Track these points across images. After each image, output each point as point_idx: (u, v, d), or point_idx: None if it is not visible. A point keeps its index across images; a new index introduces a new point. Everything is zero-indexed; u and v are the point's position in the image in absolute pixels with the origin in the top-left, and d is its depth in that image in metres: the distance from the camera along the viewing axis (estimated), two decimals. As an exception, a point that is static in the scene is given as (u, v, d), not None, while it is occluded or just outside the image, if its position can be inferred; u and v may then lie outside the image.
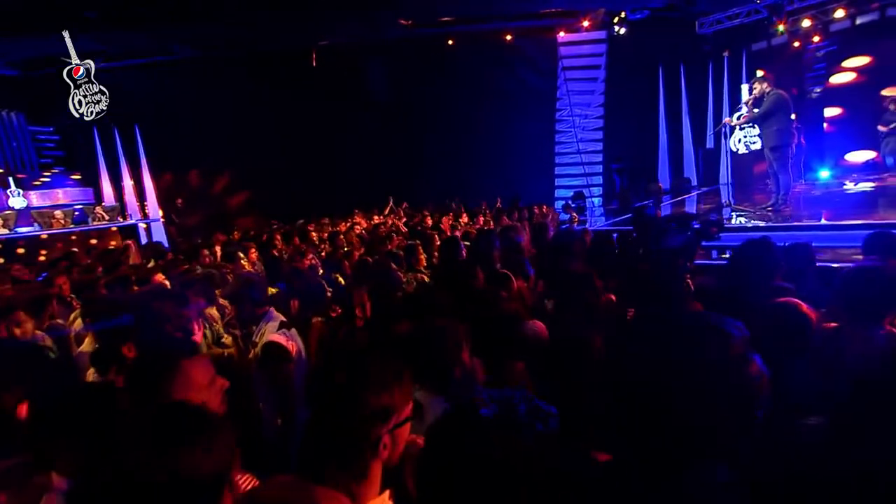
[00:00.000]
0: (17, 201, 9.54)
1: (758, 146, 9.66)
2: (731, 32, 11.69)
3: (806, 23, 10.99)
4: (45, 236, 8.94)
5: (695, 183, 11.95)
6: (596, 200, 12.65)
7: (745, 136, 10.04)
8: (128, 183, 12.76)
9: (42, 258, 8.14)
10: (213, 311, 2.78)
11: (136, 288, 2.94)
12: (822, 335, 1.46)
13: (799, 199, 7.51)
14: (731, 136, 10.16)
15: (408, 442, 1.10)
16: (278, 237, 6.60)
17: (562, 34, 12.66)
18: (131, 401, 1.12)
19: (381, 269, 2.79)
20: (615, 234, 2.99)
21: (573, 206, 9.85)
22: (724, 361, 1.01)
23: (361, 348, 1.48)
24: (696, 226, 2.87)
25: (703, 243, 2.87)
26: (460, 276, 2.48)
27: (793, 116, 6.95)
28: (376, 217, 9.31)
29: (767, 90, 5.77)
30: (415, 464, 0.97)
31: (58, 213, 9.37)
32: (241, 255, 4.74)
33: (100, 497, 0.78)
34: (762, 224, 5.89)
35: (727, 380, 0.99)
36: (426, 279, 3.26)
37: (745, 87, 11.55)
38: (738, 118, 7.53)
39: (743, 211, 6.43)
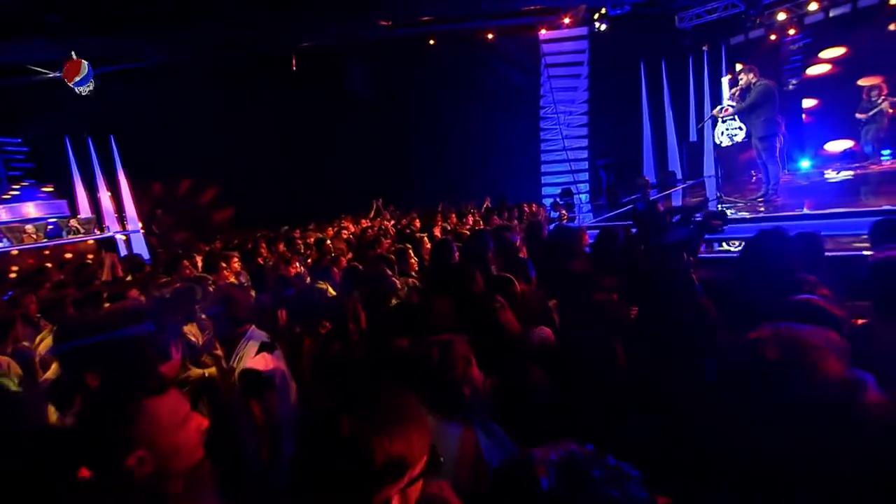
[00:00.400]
0: (-16, 217, 9.13)
1: (740, 137, 9.76)
2: (710, 27, 11.84)
3: (781, 16, 11.20)
4: (15, 252, 8.56)
5: (680, 176, 12.03)
6: (583, 197, 12.65)
7: (728, 129, 10.14)
8: (104, 194, 12.35)
9: (13, 275, 7.78)
10: (193, 328, 2.59)
11: (108, 305, 2.72)
12: (850, 333, 1.37)
13: (782, 189, 7.55)
14: (714, 128, 10.24)
15: (430, 494, 0.92)
16: (263, 245, 6.39)
17: (543, 32, 12.64)
18: (80, 449, 0.94)
19: (375, 274, 2.60)
20: (621, 231, 2.87)
21: (561, 203, 9.80)
22: (827, 392, 0.77)
23: (363, 377, 1.30)
24: (698, 218, 2.78)
25: (706, 236, 2.79)
26: (456, 281, 2.34)
27: None
28: (364, 221, 9.12)
29: (753, 81, 5.77)
30: None
31: (29, 227, 8.98)
32: (224, 264, 4.53)
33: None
34: (748, 215, 5.88)
35: (835, 419, 0.76)
36: (417, 284, 3.12)
37: (725, 81, 11.71)
38: (720, 110, 7.55)
39: (733, 202, 6.44)
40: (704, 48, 12.26)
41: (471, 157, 12.88)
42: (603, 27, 11.84)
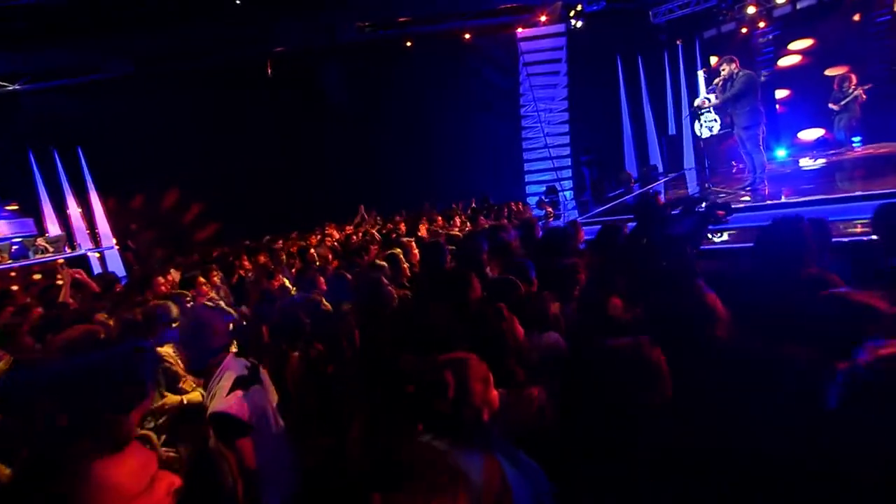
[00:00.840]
0: (-57, 239, 8.62)
1: (717, 129, 9.87)
2: (683, 21, 12.03)
3: (751, 9, 11.43)
4: (-22, 276, 8.08)
5: (661, 170, 12.14)
6: (567, 194, 12.66)
7: (706, 121, 10.24)
8: (74, 210, 11.83)
9: (-25, 300, 7.32)
10: (168, 349, 2.37)
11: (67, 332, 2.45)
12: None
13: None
14: (694, 121, 10.34)
15: None
16: (244, 256, 6.13)
17: (520, 30, 12.63)
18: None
19: (370, 283, 2.39)
20: (628, 225, 2.76)
21: (547, 200, 9.75)
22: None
23: (371, 412, 1.13)
24: (700, 209, 2.70)
25: (710, 227, 2.71)
26: (451, 287, 2.19)
27: None
28: (348, 228, 8.89)
29: (736, 71, 5.79)
30: None
31: (-8, 248, 8.50)
32: (203, 279, 4.30)
33: None
34: (741, 205, 5.90)
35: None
36: (408, 293, 2.95)
37: (701, 74, 11.88)
38: (703, 101, 7.58)
39: (722, 193, 6.45)
40: (678, 42, 12.42)
41: (453, 158, 12.78)
42: (579, 24, 11.89)
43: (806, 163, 9.16)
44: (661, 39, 12.37)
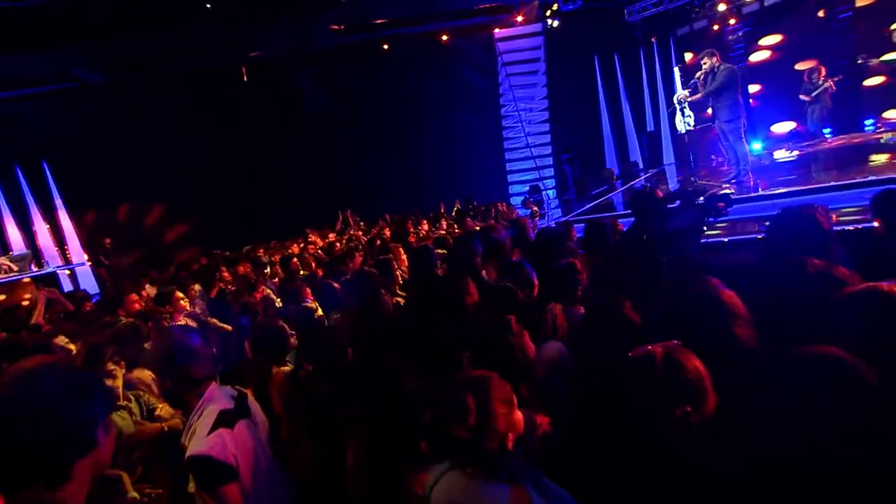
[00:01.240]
0: None
1: (691, 122, 10.01)
2: (657, 19, 12.21)
3: (721, 6, 11.68)
4: (-64, 300, 7.59)
5: (642, 166, 12.26)
6: (550, 193, 12.68)
7: (684, 117, 10.36)
8: (41, 226, 11.30)
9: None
10: (142, 374, 2.16)
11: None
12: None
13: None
14: (674, 116, 10.45)
15: None
16: (223, 268, 5.88)
17: (497, 30, 12.62)
18: None
19: (364, 292, 2.19)
20: (621, 221, 2.68)
21: (532, 200, 9.72)
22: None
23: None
24: (700, 202, 2.64)
25: (711, 220, 2.65)
26: (445, 293, 2.07)
27: None
28: (331, 235, 8.67)
29: (717, 64, 5.83)
30: None
31: (-49, 270, 8.01)
32: (180, 294, 4.07)
33: None
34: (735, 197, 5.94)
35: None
36: (401, 301, 2.81)
37: (677, 70, 12.07)
38: (686, 96, 7.63)
39: (708, 185, 6.50)
40: (653, 40, 12.59)
41: (434, 160, 12.68)
42: (555, 24, 11.95)
43: (781, 155, 9.35)
44: (636, 37, 12.53)
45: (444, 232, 5.92)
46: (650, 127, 12.85)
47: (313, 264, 5.19)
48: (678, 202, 2.65)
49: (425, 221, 7.66)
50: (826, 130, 9.58)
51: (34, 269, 9.39)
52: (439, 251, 3.32)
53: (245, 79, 11.66)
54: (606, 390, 1.11)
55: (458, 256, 2.76)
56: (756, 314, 1.40)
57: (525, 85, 12.99)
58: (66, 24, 8.68)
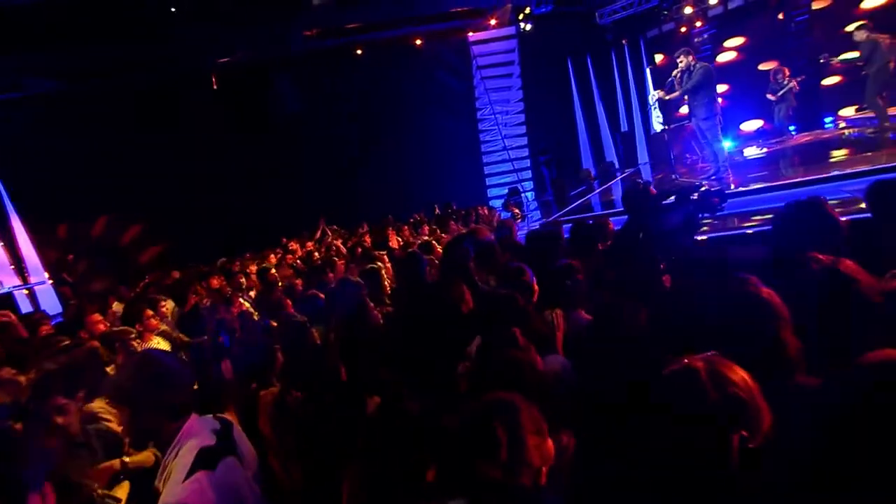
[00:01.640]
0: None
1: (660, 121, 10.22)
2: (627, 22, 12.49)
3: (688, 9, 12.02)
4: None
5: (618, 166, 12.44)
6: (529, 195, 12.72)
7: (656, 117, 10.57)
8: (-6, 245, 10.62)
9: None
10: (102, 404, 1.90)
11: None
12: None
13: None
14: (652, 115, 10.65)
15: None
16: (196, 282, 5.60)
17: (471, 34, 12.64)
18: None
19: (351, 304, 2.04)
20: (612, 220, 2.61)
21: (512, 202, 9.70)
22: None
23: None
24: (694, 198, 2.61)
25: (705, 215, 2.62)
26: (438, 301, 1.94)
27: None
28: (309, 244, 8.42)
29: (693, 63, 5.92)
30: None
31: None
32: (150, 311, 3.81)
33: None
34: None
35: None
36: (389, 310, 2.67)
37: (648, 71, 12.34)
38: (653, 97, 7.76)
39: (689, 182, 6.60)
40: (624, 42, 12.85)
41: (412, 165, 12.57)
42: (528, 27, 12.04)
43: (752, 152, 9.64)
44: (607, 39, 12.76)
45: (426, 237, 5.80)
46: (624, 127, 13.07)
47: (291, 274, 4.99)
48: (672, 198, 2.61)
49: (406, 227, 7.52)
50: (791, 128, 9.95)
51: (-12, 289, 8.82)
52: (426, 257, 3.20)
53: (215, 86, 11.31)
54: (629, 412, 0.97)
55: (451, 261, 2.61)
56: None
57: (500, 88, 13.04)
58: (20, 33, 8.22)
